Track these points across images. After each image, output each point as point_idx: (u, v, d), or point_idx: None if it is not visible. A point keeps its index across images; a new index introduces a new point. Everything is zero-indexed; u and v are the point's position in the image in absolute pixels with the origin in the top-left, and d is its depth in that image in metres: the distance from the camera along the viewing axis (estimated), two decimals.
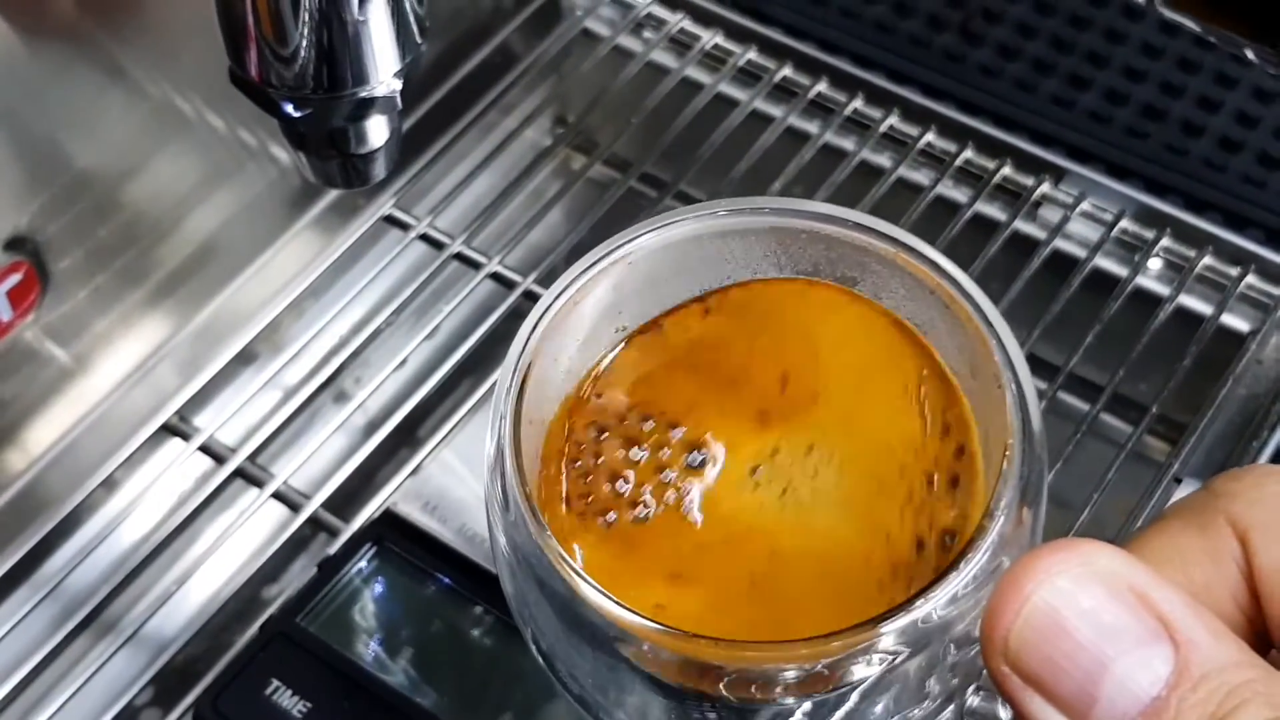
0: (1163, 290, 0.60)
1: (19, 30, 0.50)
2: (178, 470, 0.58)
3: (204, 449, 0.58)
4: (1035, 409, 0.32)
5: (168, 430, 0.59)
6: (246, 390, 0.60)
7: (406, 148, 0.55)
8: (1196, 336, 0.58)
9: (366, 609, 0.51)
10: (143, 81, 0.55)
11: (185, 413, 0.59)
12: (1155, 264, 0.61)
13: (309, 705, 0.48)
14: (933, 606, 0.30)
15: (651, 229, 0.35)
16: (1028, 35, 0.67)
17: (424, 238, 0.64)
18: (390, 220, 0.64)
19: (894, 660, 0.30)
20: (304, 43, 0.41)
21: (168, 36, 0.55)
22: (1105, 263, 0.61)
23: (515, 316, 0.61)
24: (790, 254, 0.36)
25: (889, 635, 0.30)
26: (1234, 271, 0.60)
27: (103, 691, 0.52)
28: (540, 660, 0.35)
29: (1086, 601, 0.26)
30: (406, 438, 0.59)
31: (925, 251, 0.34)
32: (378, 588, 0.51)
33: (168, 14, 0.55)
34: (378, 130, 0.45)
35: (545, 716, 0.49)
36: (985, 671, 0.28)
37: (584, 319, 0.35)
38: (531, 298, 0.61)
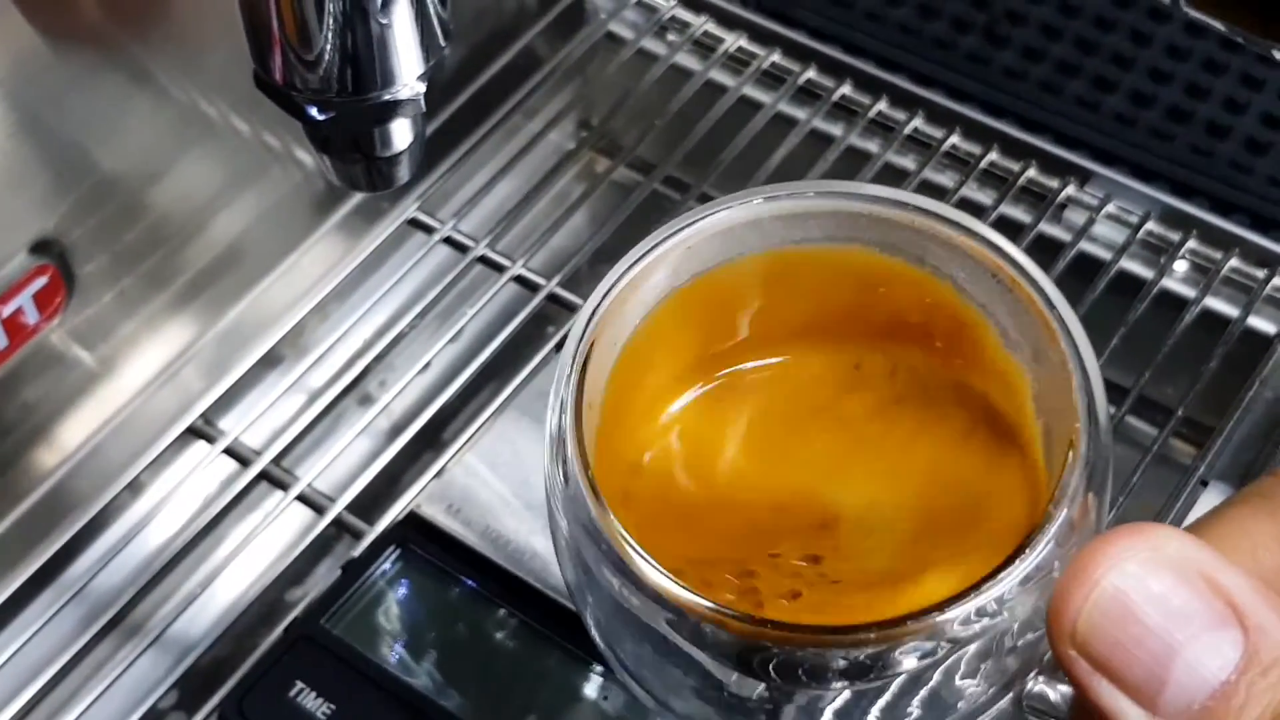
0: (1189, 293, 0.60)
1: (45, 34, 0.50)
2: (203, 473, 0.58)
3: (229, 452, 0.58)
4: (1101, 393, 0.32)
5: (193, 433, 0.59)
6: (271, 393, 0.60)
7: (430, 151, 0.55)
8: (1223, 339, 0.58)
9: (391, 611, 0.51)
10: (168, 86, 0.55)
11: (210, 416, 0.59)
12: (1181, 266, 0.61)
13: (333, 707, 0.48)
14: (996, 594, 0.29)
15: (710, 212, 0.35)
16: (1052, 38, 0.67)
17: (448, 241, 0.64)
18: (415, 224, 0.65)
19: (953, 647, 0.30)
20: (328, 46, 0.41)
21: (193, 41, 0.55)
22: (1131, 265, 0.61)
23: (539, 319, 0.61)
24: (849, 237, 0.35)
25: (950, 622, 0.29)
26: (1260, 274, 0.60)
27: (128, 693, 0.52)
28: (599, 644, 0.35)
29: (1156, 586, 0.25)
30: (431, 441, 0.59)
31: (987, 234, 0.34)
32: (402, 590, 0.51)
33: (193, 18, 0.55)
34: (402, 133, 0.45)
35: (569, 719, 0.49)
36: (1046, 657, 0.28)
37: (642, 303, 0.35)
38: (556, 301, 0.61)
